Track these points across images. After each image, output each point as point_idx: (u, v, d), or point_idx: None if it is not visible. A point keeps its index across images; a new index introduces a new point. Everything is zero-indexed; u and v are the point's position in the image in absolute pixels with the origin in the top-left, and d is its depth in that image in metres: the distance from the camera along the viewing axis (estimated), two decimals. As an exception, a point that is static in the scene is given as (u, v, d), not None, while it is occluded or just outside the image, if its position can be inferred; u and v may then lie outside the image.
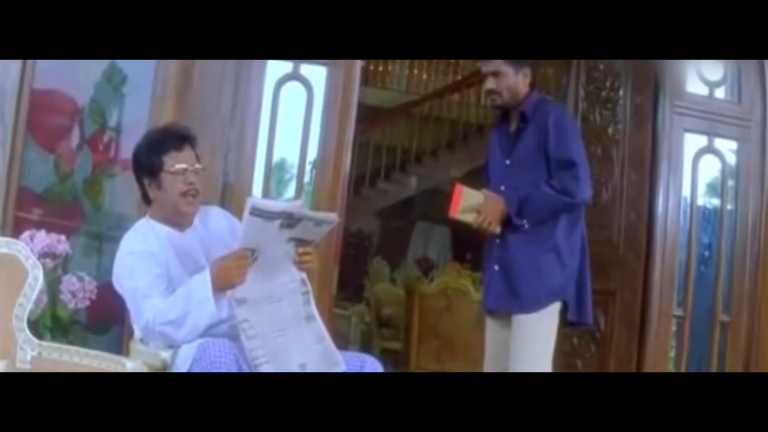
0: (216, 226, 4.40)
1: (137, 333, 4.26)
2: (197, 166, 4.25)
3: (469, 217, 4.74)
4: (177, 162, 4.19)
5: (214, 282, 3.92)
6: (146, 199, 4.35)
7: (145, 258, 4.15)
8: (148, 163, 4.25)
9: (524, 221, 4.72)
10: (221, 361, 3.79)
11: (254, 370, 3.87)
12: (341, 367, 4.08)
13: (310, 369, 3.99)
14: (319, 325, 4.12)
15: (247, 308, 3.95)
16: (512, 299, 4.83)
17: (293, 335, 4.03)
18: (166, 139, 4.28)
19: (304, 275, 4.13)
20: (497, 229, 4.77)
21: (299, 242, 4.03)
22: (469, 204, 4.75)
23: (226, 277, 3.92)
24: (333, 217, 4.16)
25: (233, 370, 3.80)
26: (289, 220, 3.90)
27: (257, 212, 3.80)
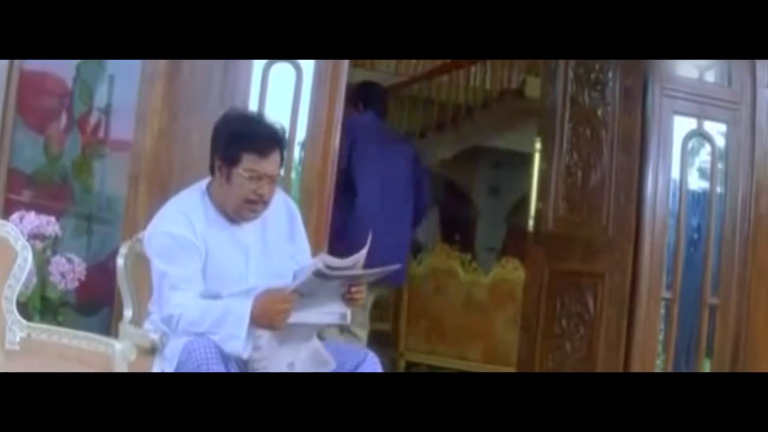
0: (274, 215, 4.17)
1: (153, 312, 4.15)
2: (277, 175, 4.04)
3: None
4: (256, 166, 3.93)
5: (254, 317, 3.76)
6: (212, 170, 4.09)
7: (183, 246, 3.95)
8: (225, 148, 3.99)
9: None
10: (209, 362, 3.72)
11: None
12: (330, 367, 4.00)
13: (298, 368, 3.93)
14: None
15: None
16: None
17: (291, 340, 3.96)
18: (255, 137, 3.98)
19: (347, 311, 4.00)
20: None
21: (350, 283, 3.93)
22: None
23: (269, 319, 3.78)
24: (392, 268, 4.00)
25: (221, 370, 3.74)
26: (339, 278, 3.82)
27: (320, 275, 3.74)
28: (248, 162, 3.93)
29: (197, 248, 3.96)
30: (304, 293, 3.83)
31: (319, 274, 3.74)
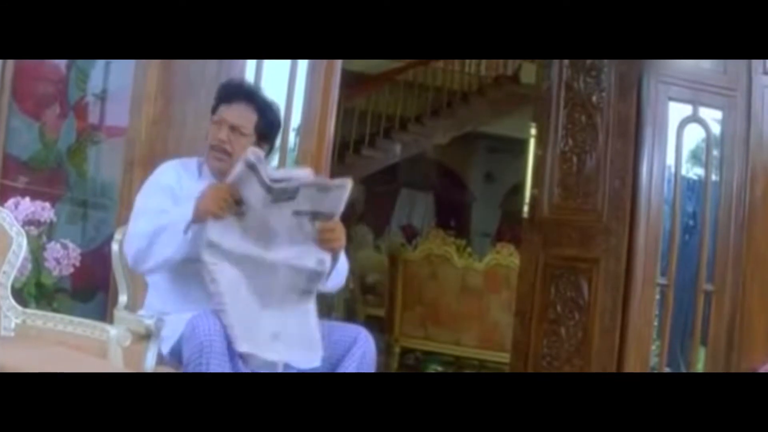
0: None
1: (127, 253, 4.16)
2: (240, 126, 4.10)
3: None
4: (221, 113, 4.12)
5: (197, 212, 3.82)
6: None
7: (162, 187, 4.12)
8: (214, 107, 4.22)
9: None
10: (212, 338, 3.71)
11: (216, 310, 3.80)
12: (317, 344, 3.96)
13: (283, 339, 3.89)
14: (312, 305, 4.00)
15: (220, 254, 3.82)
16: None
17: (274, 301, 3.90)
18: (223, 90, 4.24)
19: (324, 255, 3.97)
20: None
21: (314, 216, 3.89)
22: None
23: (203, 204, 3.81)
24: (341, 181, 3.92)
25: (224, 347, 3.72)
26: (285, 193, 3.78)
27: (250, 165, 3.73)
28: (219, 111, 4.15)
29: (177, 198, 4.06)
30: (243, 204, 3.81)
31: (249, 165, 3.73)
